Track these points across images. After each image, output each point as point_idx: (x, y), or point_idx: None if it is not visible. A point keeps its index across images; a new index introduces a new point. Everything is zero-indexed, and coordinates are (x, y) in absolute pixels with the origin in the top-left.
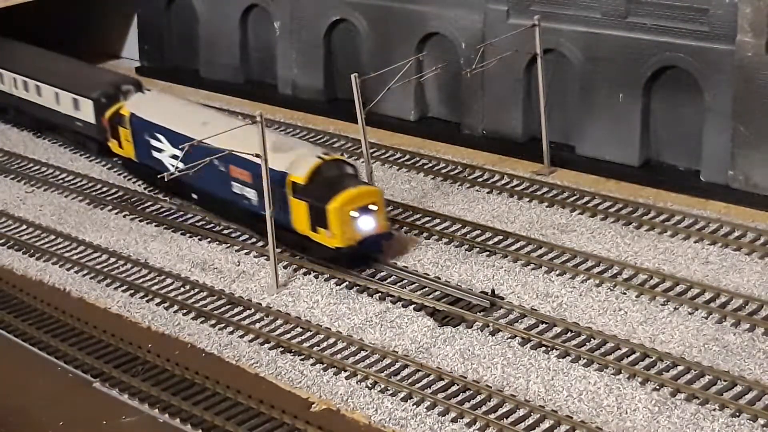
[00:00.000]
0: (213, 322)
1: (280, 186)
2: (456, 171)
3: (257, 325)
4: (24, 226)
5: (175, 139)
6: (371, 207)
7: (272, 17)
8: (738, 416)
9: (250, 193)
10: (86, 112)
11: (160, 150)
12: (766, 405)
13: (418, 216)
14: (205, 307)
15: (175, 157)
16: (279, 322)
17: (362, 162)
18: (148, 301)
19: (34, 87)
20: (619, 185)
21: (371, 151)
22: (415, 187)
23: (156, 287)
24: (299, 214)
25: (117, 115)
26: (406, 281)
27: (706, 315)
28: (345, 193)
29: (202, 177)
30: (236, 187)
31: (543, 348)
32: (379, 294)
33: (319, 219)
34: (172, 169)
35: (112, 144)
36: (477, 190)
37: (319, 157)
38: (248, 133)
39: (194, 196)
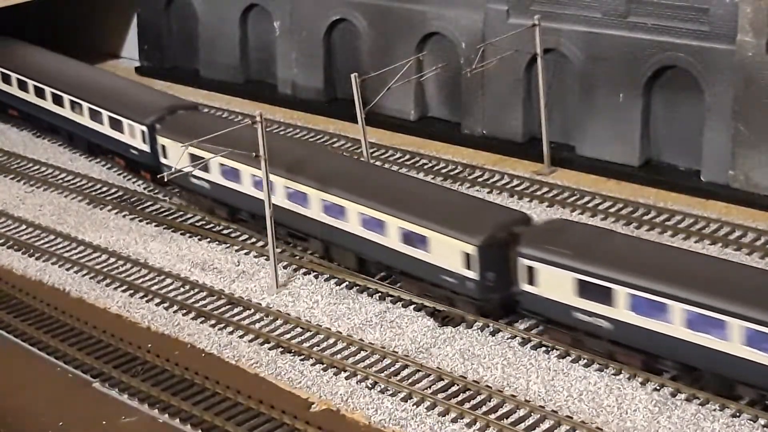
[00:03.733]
0: (213, 322)
1: None
2: (456, 171)
3: (257, 325)
4: (23, 226)
5: None
6: None
7: (272, 17)
8: (738, 416)
9: None
10: None
11: None
12: (766, 405)
13: None
14: (204, 307)
15: None
16: (279, 322)
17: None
18: (147, 301)
19: None
20: (619, 185)
21: (371, 151)
22: None
23: (156, 287)
24: None
25: None
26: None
27: None
28: None
29: None
30: None
31: (543, 348)
32: (379, 294)
33: None
34: None
35: None
36: (477, 190)
37: None
38: None
39: None
